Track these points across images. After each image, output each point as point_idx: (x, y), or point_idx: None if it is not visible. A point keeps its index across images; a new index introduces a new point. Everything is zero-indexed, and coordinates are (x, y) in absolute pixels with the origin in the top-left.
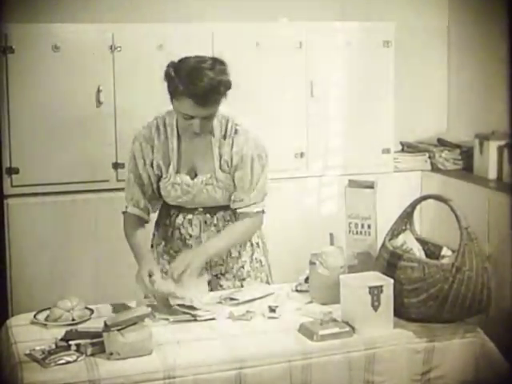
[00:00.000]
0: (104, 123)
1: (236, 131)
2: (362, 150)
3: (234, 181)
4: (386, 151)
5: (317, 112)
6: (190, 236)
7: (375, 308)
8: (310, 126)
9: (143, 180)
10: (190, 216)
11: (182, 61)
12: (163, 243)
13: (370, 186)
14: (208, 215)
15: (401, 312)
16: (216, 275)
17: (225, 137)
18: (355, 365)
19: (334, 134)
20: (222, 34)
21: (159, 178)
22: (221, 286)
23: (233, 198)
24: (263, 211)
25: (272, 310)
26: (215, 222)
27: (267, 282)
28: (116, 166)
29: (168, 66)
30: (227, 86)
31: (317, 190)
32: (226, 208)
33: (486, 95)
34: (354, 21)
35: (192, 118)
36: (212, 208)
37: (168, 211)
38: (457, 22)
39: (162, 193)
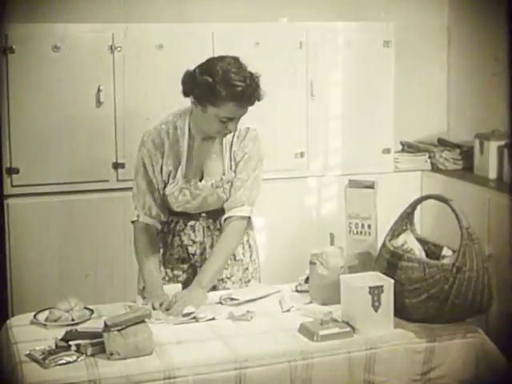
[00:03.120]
0: (104, 123)
1: (247, 130)
2: (362, 150)
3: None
4: (386, 151)
5: (317, 112)
6: (194, 242)
7: (375, 308)
8: (310, 126)
9: (154, 186)
10: (192, 222)
11: (211, 66)
12: (162, 251)
13: (370, 185)
14: (211, 220)
15: (401, 312)
16: (222, 279)
17: (238, 136)
18: (355, 365)
19: (334, 134)
20: (221, 33)
21: (165, 185)
22: (227, 289)
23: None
24: (249, 217)
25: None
26: (218, 226)
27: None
28: (116, 165)
29: (201, 74)
30: (259, 80)
31: (317, 189)
32: None
33: (486, 95)
34: (354, 21)
35: (230, 119)
36: (215, 212)
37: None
38: (457, 21)
39: (168, 199)
